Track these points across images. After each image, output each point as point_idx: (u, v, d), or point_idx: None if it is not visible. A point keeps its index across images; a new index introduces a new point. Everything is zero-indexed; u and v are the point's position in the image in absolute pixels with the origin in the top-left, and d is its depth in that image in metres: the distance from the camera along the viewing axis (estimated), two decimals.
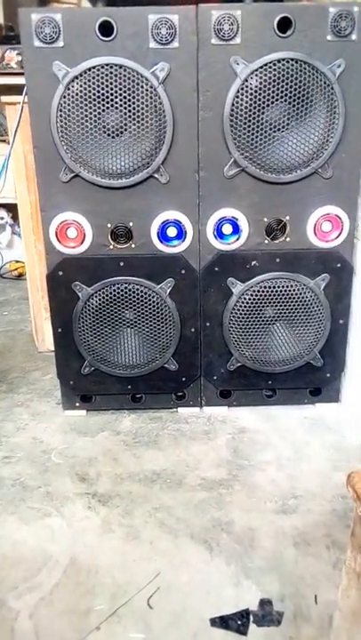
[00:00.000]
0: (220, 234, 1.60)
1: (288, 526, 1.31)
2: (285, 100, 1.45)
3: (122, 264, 1.61)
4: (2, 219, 3.58)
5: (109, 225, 1.58)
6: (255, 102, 1.45)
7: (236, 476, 1.48)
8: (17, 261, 3.42)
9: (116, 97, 1.44)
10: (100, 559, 1.23)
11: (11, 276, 3.45)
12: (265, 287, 1.62)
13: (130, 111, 1.45)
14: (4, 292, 3.18)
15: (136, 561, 1.22)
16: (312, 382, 1.77)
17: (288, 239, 1.61)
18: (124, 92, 1.43)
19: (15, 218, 3.19)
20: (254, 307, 1.64)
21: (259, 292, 1.63)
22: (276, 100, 1.45)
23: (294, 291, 1.63)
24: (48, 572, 1.20)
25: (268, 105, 1.46)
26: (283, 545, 1.25)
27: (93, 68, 1.42)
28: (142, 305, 1.63)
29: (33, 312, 2.20)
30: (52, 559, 1.23)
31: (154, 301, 1.63)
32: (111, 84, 1.43)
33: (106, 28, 1.40)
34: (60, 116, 1.46)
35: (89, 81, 1.43)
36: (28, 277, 2.15)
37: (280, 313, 1.65)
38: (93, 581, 1.17)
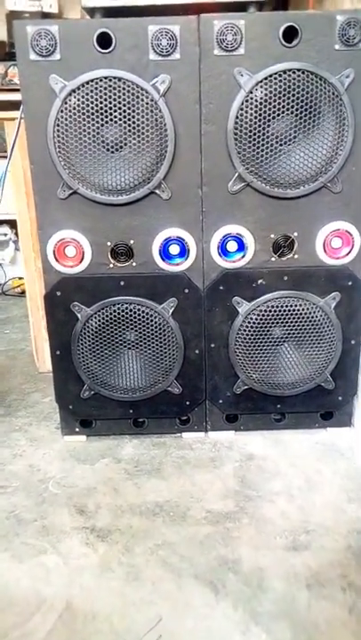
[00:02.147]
0: (224, 251, 1.53)
1: (300, 565, 1.22)
2: (292, 112, 1.39)
3: (122, 283, 1.54)
4: (5, 235, 3.55)
5: (109, 243, 1.52)
6: (260, 115, 1.39)
7: (243, 509, 1.39)
8: (20, 278, 3.36)
9: (116, 111, 1.38)
10: (97, 603, 1.14)
11: (14, 293, 3.40)
12: (272, 306, 1.55)
13: (130, 125, 1.39)
14: (7, 309, 3.13)
15: (136, 605, 1.13)
16: (323, 406, 1.68)
17: (296, 256, 1.54)
18: (124, 105, 1.38)
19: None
20: (261, 327, 1.56)
21: (266, 311, 1.55)
22: (283, 112, 1.39)
23: (303, 310, 1.55)
24: (42, 617, 1.11)
25: (273, 117, 1.39)
26: (295, 587, 1.16)
27: (91, 81, 1.36)
28: (144, 326, 1.55)
29: (33, 332, 2.13)
30: (46, 603, 1.14)
31: (156, 322, 1.56)
32: (110, 97, 1.37)
33: (104, 40, 1.35)
34: (58, 130, 1.40)
35: (87, 94, 1.37)
36: (28, 296, 2.09)
37: (289, 333, 1.57)
38: (90, 629, 1.08)
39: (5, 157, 2.99)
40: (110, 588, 1.17)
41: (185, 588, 1.17)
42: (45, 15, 3.08)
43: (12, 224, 3.33)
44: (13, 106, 2.13)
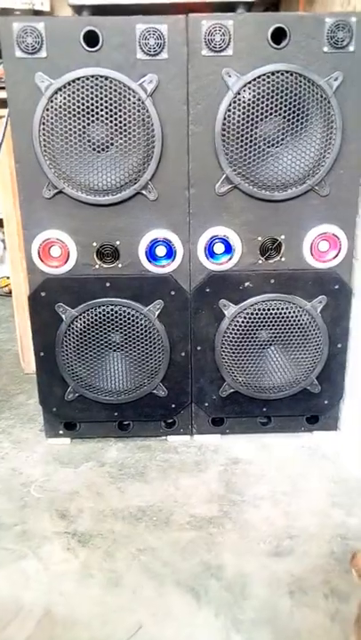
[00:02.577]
0: (211, 253, 1.51)
1: (283, 571, 1.20)
2: (280, 115, 1.38)
3: (108, 285, 1.52)
4: None
5: (95, 244, 1.50)
6: (248, 116, 1.38)
7: (227, 513, 1.38)
8: (8, 277, 3.33)
9: (102, 110, 1.36)
10: (77, 609, 1.12)
11: (2, 292, 3.36)
12: (259, 309, 1.54)
13: (116, 125, 1.38)
14: None
15: (117, 612, 1.11)
16: (309, 409, 1.67)
17: (283, 259, 1.53)
18: (111, 104, 1.36)
19: None
20: (248, 330, 1.55)
21: (252, 314, 1.54)
22: (271, 114, 1.38)
23: (290, 313, 1.54)
24: (20, 623, 1.09)
25: (261, 119, 1.38)
26: (277, 593, 1.15)
27: (78, 79, 1.35)
28: (129, 328, 1.54)
29: (19, 332, 2.11)
30: (24, 609, 1.12)
31: (142, 324, 1.54)
32: (97, 96, 1.36)
33: (91, 38, 1.33)
34: (43, 129, 1.38)
35: (73, 93, 1.35)
36: (14, 296, 2.06)
37: (275, 337, 1.56)
38: (69, 636, 1.06)
39: None
40: (90, 595, 1.15)
41: (166, 594, 1.15)
42: (37, 13, 3.04)
43: (2, 223, 3.30)
44: (3, 104, 2.11)
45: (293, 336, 1.56)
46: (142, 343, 1.55)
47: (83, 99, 1.35)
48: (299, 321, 1.55)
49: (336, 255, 1.53)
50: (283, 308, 1.54)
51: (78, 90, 1.35)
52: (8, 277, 3.32)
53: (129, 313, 1.53)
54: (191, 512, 1.39)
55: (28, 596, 1.15)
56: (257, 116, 1.38)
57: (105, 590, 1.17)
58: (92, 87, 1.35)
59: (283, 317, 1.54)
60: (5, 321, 2.81)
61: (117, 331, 1.54)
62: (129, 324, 1.53)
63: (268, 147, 1.41)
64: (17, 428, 1.79)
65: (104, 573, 1.21)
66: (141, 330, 1.54)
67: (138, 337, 1.55)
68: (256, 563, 1.23)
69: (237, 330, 1.55)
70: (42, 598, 1.15)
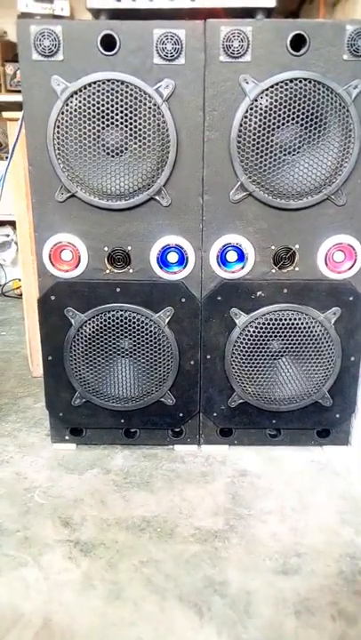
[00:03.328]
0: (223, 261, 1.49)
1: (289, 590, 1.17)
2: (297, 122, 1.36)
3: (118, 290, 1.50)
4: (7, 236, 3.53)
5: (106, 248, 1.49)
6: (265, 123, 1.36)
7: (233, 527, 1.35)
8: (20, 280, 3.34)
9: (117, 114, 1.35)
10: (76, 621, 1.10)
11: (13, 294, 3.37)
12: (271, 319, 1.51)
13: (131, 129, 1.36)
14: (5, 310, 3.10)
15: (117, 625, 1.09)
16: (320, 423, 1.64)
17: (297, 269, 1.50)
18: (126, 109, 1.35)
19: None
20: (259, 340, 1.52)
21: (264, 324, 1.51)
22: (288, 121, 1.36)
23: (302, 324, 1.51)
24: (18, 633, 1.07)
25: (278, 126, 1.36)
26: (282, 613, 1.12)
27: (94, 83, 1.34)
28: (139, 334, 1.52)
29: (29, 335, 2.10)
30: (23, 618, 1.10)
31: (151, 331, 1.52)
32: (112, 100, 1.35)
33: (108, 42, 1.32)
34: (58, 132, 1.37)
35: (89, 97, 1.35)
36: (25, 298, 2.06)
37: (287, 347, 1.53)
38: None
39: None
40: (91, 607, 1.13)
41: (168, 609, 1.12)
42: (57, 18, 3.07)
43: (15, 225, 3.31)
44: (21, 107, 2.11)
45: (305, 347, 1.53)
46: (151, 350, 1.53)
47: (98, 102, 1.35)
48: (311, 332, 1.52)
49: (352, 266, 1.50)
50: (295, 319, 1.51)
51: (94, 94, 1.34)
52: (20, 279, 3.33)
53: (138, 319, 1.51)
54: (196, 524, 1.36)
55: (28, 605, 1.13)
56: (274, 124, 1.36)
57: (106, 602, 1.14)
58: (107, 91, 1.34)
59: (295, 328, 1.51)
60: (16, 323, 2.81)
61: (126, 337, 1.53)
62: (138, 330, 1.51)
63: (285, 154, 1.39)
64: (23, 431, 1.78)
65: (105, 585, 1.18)
66: (151, 336, 1.52)
67: (147, 343, 1.53)
68: (262, 580, 1.20)
69: (248, 339, 1.53)
70: (41, 608, 1.12)
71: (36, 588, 1.17)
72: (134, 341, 1.53)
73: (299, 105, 1.35)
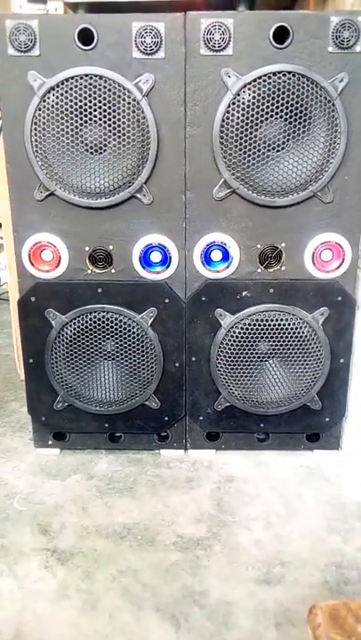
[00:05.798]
0: (208, 260, 1.45)
1: (271, 600, 1.13)
2: (281, 117, 1.32)
3: (100, 291, 1.47)
4: (2, 238, 3.50)
5: (87, 248, 1.45)
6: (248, 118, 1.32)
7: (216, 535, 1.31)
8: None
9: (96, 110, 1.32)
10: (49, 632, 1.06)
11: (7, 297, 3.33)
12: (257, 320, 1.47)
13: (110, 126, 1.33)
14: None
15: (90, 637, 1.05)
16: (309, 427, 1.59)
17: (283, 268, 1.46)
18: (105, 104, 1.31)
19: None
20: (245, 341, 1.48)
21: (250, 325, 1.47)
22: (272, 116, 1.32)
23: (290, 325, 1.47)
24: None
25: (262, 121, 1.32)
26: (262, 624, 1.07)
27: (72, 78, 1.30)
28: (121, 336, 1.48)
29: (15, 337, 2.07)
30: None
31: (134, 332, 1.48)
32: (90, 96, 1.31)
33: (86, 36, 1.29)
34: (35, 129, 1.34)
35: (66, 92, 1.31)
36: (11, 301, 2.03)
37: (274, 349, 1.49)
38: None
39: None
40: (64, 617, 1.09)
41: (144, 620, 1.08)
42: None
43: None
44: None
45: (293, 349, 1.49)
46: (134, 352, 1.49)
47: (76, 98, 1.31)
48: (299, 333, 1.48)
49: (340, 265, 1.46)
50: (282, 319, 1.47)
51: (72, 89, 1.31)
52: None
53: (121, 320, 1.47)
54: (179, 532, 1.32)
55: (0, 614, 1.09)
56: (257, 119, 1.32)
57: (80, 613, 1.10)
58: (86, 87, 1.31)
59: (282, 329, 1.47)
60: (7, 326, 2.77)
61: (109, 338, 1.49)
62: (121, 331, 1.48)
63: (269, 150, 1.35)
64: (7, 436, 1.74)
65: (81, 595, 1.14)
66: (134, 338, 1.48)
67: (130, 345, 1.49)
68: (243, 590, 1.15)
69: (234, 341, 1.48)
70: (13, 617, 1.09)
71: (9, 598, 1.14)
72: (117, 343, 1.49)
73: (283, 99, 1.31)
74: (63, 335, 1.48)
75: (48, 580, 1.18)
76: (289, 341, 1.48)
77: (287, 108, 1.31)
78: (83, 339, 1.48)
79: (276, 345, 1.49)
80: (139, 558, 1.24)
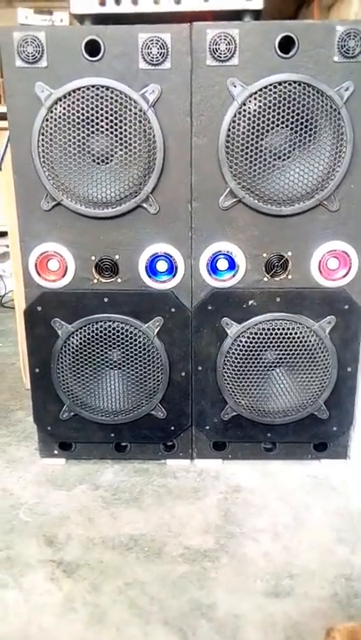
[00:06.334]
0: (214, 269, 1.45)
1: (280, 613, 1.11)
2: (287, 126, 1.32)
3: (106, 300, 1.47)
4: (7, 246, 3.51)
5: (94, 257, 1.45)
6: (254, 128, 1.32)
7: (224, 546, 1.29)
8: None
9: (103, 121, 1.32)
10: None
11: (12, 305, 3.34)
12: (263, 329, 1.46)
13: (117, 136, 1.33)
14: (3, 322, 3.08)
15: None
16: (316, 436, 1.58)
17: (290, 277, 1.46)
18: (112, 115, 1.32)
19: None
20: (251, 350, 1.48)
21: (257, 334, 1.46)
22: (277, 125, 1.32)
23: (296, 334, 1.46)
24: None
25: (268, 131, 1.33)
26: (272, 637, 1.06)
27: (78, 89, 1.31)
28: (127, 345, 1.48)
29: (21, 346, 2.07)
30: None
31: (140, 342, 1.48)
32: (97, 106, 1.32)
33: (92, 48, 1.30)
34: (42, 140, 1.35)
35: (73, 103, 1.32)
36: (17, 309, 2.03)
37: (280, 358, 1.48)
38: None
39: None
40: (71, 631, 1.08)
41: (152, 634, 1.07)
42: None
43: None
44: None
45: (300, 358, 1.48)
46: (140, 361, 1.49)
47: (83, 109, 1.32)
48: (306, 342, 1.47)
49: (346, 274, 1.45)
50: (289, 328, 1.46)
51: (79, 100, 1.32)
52: None
53: (127, 330, 1.47)
54: (186, 543, 1.30)
55: (5, 628, 1.08)
56: (263, 128, 1.32)
57: (87, 626, 1.09)
58: (92, 97, 1.31)
59: (289, 338, 1.46)
60: (13, 334, 2.77)
61: (115, 348, 1.48)
62: (127, 341, 1.47)
63: (275, 159, 1.35)
64: (12, 445, 1.73)
65: (87, 608, 1.13)
66: (140, 348, 1.48)
67: (136, 355, 1.48)
68: (251, 602, 1.14)
69: (240, 350, 1.48)
70: (19, 631, 1.08)
71: (15, 611, 1.13)
72: (123, 353, 1.49)
73: (288, 108, 1.31)
74: (69, 345, 1.48)
75: (54, 593, 1.17)
76: (296, 350, 1.47)
77: (293, 117, 1.32)
78: (89, 348, 1.48)
79: (283, 354, 1.48)
80: (146, 570, 1.22)
